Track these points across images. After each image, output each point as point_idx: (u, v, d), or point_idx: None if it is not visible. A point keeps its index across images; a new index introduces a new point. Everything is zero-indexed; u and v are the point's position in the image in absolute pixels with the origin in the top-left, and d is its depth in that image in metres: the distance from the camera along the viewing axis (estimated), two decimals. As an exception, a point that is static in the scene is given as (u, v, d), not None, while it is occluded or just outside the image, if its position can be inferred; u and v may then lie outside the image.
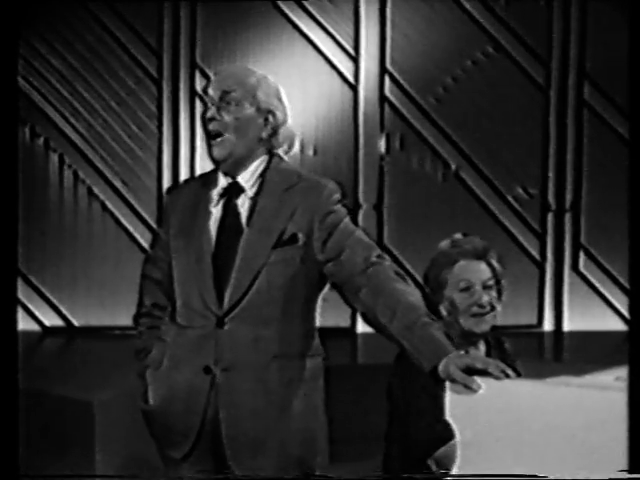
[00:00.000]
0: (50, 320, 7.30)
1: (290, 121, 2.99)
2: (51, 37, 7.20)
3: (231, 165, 2.90)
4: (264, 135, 2.92)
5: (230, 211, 2.89)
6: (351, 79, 7.33)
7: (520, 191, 7.41)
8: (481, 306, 3.18)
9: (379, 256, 2.83)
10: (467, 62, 7.34)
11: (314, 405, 2.92)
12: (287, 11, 7.26)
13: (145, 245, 7.28)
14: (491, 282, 3.21)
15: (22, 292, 7.02)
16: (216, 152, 2.89)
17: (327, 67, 7.23)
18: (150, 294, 3.05)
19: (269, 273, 2.83)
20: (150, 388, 2.93)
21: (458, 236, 3.28)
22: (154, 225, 7.28)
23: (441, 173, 7.38)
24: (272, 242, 2.84)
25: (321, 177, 2.97)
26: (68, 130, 7.26)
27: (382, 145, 7.35)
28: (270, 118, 2.92)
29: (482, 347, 3.29)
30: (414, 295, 2.77)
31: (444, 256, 3.23)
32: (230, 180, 2.91)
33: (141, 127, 7.27)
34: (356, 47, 7.32)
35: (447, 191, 7.38)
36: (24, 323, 6.95)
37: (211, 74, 2.98)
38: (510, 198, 7.41)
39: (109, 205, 7.29)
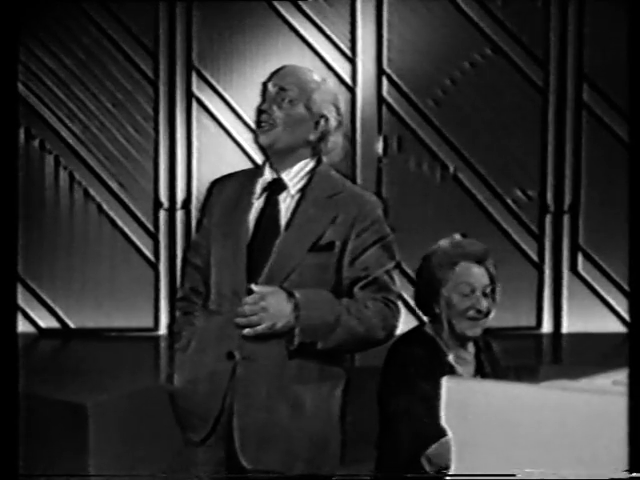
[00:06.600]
0: (46, 322, 7.28)
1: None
2: (47, 38, 7.18)
3: (277, 158, 2.97)
4: (312, 137, 2.97)
5: (271, 206, 2.96)
6: (348, 81, 7.31)
7: (518, 193, 7.39)
8: (479, 311, 3.20)
9: (386, 298, 2.91)
10: (465, 64, 7.33)
11: (329, 410, 2.93)
12: (283, 12, 7.25)
13: (141, 247, 7.26)
14: (489, 289, 3.23)
15: (18, 294, 7.00)
16: (261, 139, 2.97)
17: (324, 68, 7.21)
18: (189, 279, 3.11)
19: (301, 275, 2.88)
20: (176, 370, 3.00)
21: (458, 237, 3.28)
22: (150, 227, 7.26)
23: (439, 175, 7.37)
24: (309, 245, 2.90)
25: (365, 190, 3.07)
26: (64, 132, 7.24)
27: (380, 147, 7.33)
28: (321, 122, 2.97)
29: (471, 348, 3.29)
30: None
31: (445, 255, 3.23)
32: (275, 176, 2.98)
33: (137, 128, 7.26)
34: (353, 48, 7.31)
35: (445, 193, 7.36)
36: (20, 325, 6.93)
37: (265, 74, 3.06)
38: (508, 200, 7.40)
39: (105, 207, 7.27)
